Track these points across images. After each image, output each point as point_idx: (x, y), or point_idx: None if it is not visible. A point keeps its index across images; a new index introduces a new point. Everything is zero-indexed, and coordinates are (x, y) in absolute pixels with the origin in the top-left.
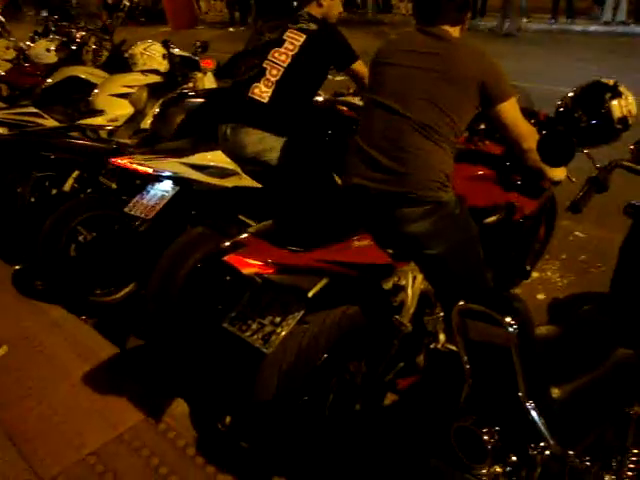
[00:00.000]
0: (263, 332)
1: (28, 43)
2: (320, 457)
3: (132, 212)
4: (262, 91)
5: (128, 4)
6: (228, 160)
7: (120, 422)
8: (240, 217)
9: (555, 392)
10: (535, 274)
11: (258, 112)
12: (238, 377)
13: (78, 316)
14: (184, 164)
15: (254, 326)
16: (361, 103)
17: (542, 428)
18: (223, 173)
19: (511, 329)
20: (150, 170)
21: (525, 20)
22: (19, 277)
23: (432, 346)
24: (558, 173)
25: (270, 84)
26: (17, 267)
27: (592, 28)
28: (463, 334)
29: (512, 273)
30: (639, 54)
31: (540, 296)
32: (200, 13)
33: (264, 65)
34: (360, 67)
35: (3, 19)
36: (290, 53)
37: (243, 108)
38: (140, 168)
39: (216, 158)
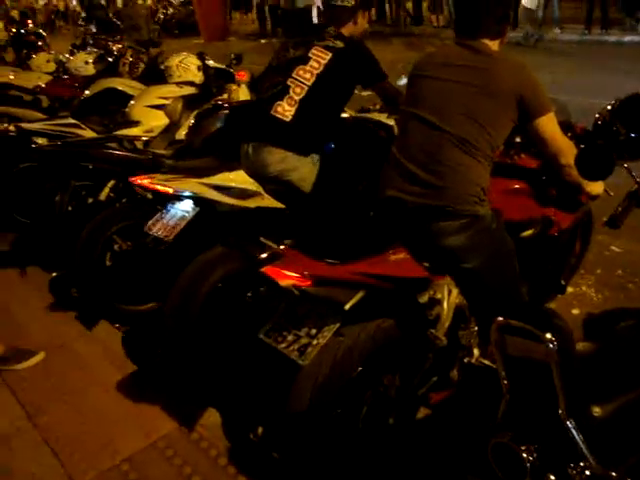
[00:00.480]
0: (299, 344)
1: (67, 56)
2: (353, 469)
3: (152, 232)
4: (285, 110)
5: (162, 17)
6: (250, 180)
7: (153, 430)
8: (261, 239)
9: (596, 411)
10: (570, 289)
11: (281, 131)
12: (271, 388)
13: (112, 324)
14: (205, 184)
15: (290, 338)
16: (386, 120)
17: (583, 447)
18: (245, 194)
19: (551, 345)
20: (170, 190)
21: (558, 31)
22: (56, 284)
23: (466, 360)
24: (596, 188)
25: (294, 103)
26: (54, 274)
27: (627, 39)
28: (502, 350)
29: (548, 288)
30: None
31: (575, 311)
32: (232, 25)
33: (288, 83)
34: (388, 84)
35: (44, 33)
36: (315, 72)
37: (265, 126)
38: (160, 188)
39: (238, 178)
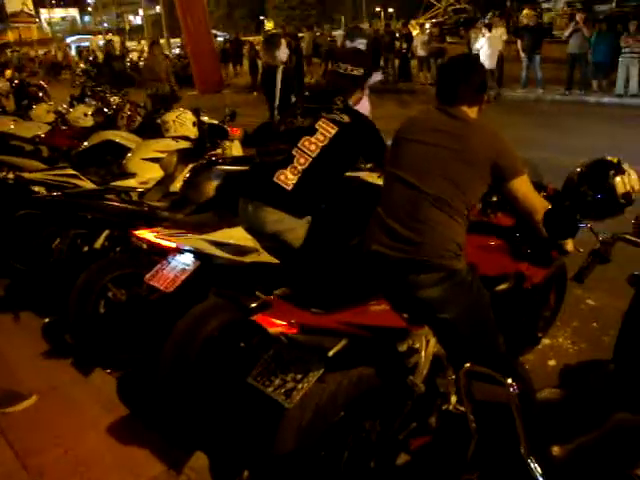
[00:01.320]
0: (285, 387)
1: (65, 107)
2: None
3: (152, 282)
4: (288, 178)
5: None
6: (248, 237)
7: (143, 473)
8: (257, 293)
9: (556, 450)
10: (547, 341)
11: (280, 196)
12: (258, 432)
13: (104, 369)
14: (205, 240)
15: (277, 382)
16: (376, 180)
17: None
18: (242, 250)
19: (512, 389)
20: (173, 245)
21: (541, 91)
22: (49, 330)
23: (444, 407)
24: (569, 244)
25: (296, 172)
26: (47, 320)
27: (605, 100)
28: (469, 394)
29: (523, 339)
30: None
31: (551, 362)
32: (227, 78)
33: (293, 152)
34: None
35: (45, 85)
36: (320, 144)
37: (266, 190)
38: (164, 243)
39: (237, 235)
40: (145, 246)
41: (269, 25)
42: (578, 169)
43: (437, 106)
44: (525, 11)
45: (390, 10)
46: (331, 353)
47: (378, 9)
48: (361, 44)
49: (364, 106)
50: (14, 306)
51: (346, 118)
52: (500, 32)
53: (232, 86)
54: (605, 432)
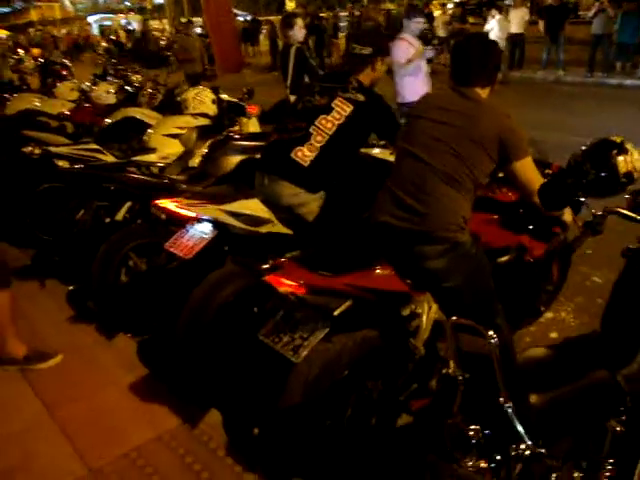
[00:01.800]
0: (293, 344)
1: (89, 84)
2: (339, 465)
3: (172, 249)
4: (305, 155)
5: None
6: (264, 208)
7: (160, 425)
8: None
9: (534, 399)
10: (550, 314)
11: (297, 172)
12: (267, 391)
13: (125, 333)
14: (223, 211)
15: (285, 339)
16: (389, 156)
17: (520, 429)
18: (258, 221)
19: (493, 341)
20: (194, 214)
21: (561, 73)
22: (73, 297)
23: (444, 371)
24: (566, 217)
25: (314, 149)
26: (71, 287)
27: (628, 82)
28: (455, 345)
29: (523, 310)
30: None
31: (553, 335)
32: (246, 57)
33: (310, 130)
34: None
35: (70, 64)
36: (336, 122)
37: (284, 165)
38: (184, 213)
39: (253, 206)
40: (164, 217)
41: (290, 5)
42: (582, 148)
43: (451, 86)
44: None
45: None
46: (336, 313)
47: None
48: (419, 22)
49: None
50: (40, 274)
51: (361, 97)
52: (522, 12)
53: (252, 66)
54: (582, 385)
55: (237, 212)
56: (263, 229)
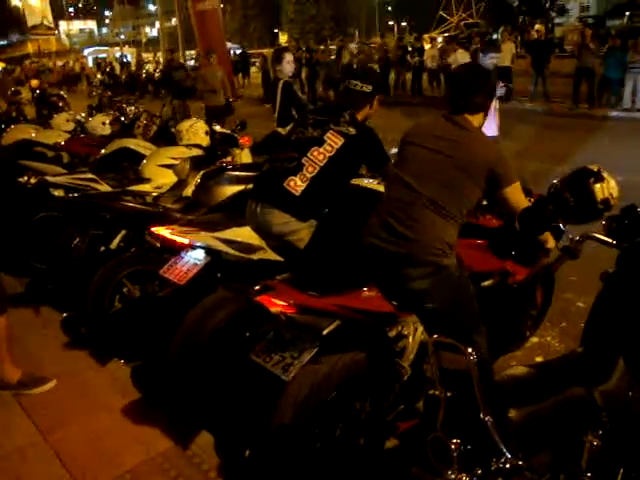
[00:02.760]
0: (284, 363)
1: (84, 115)
2: None
3: (167, 275)
4: (297, 185)
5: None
6: (255, 236)
7: (152, 447)
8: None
9: (513, 414)
10: (535, 339)
11: (288, 201)
12: (258, 414)
13: (118, 359)
14: (216, 238)
15: (276, 358)
16: (377, 186)
17: (500, 443)
18: (250, 248)
19: (472, 357)
20: (186, 241)
21: (548, 105)
22: (68, 323)
23: (431, 392)
24: (549, 242)
25: (305, 179)
26: (65, 314)
27: (613, 114)
28: (437, 362)
29: (509, 334)
30: None
31: (538, 359)
32: (240, 88)
33: (303, 161)
34: (389, 167)
35: (65, 95)
36: (327, 154)
37: (275, 193)
38: (177, 239)
39: (245, 234)
40: (159, 244)
41: (283, 38)
42: (561, 177)
43: (444, 113)
44: (536, 26)
45: (403, 24)
46: (325, 332)
47: (391, 23)
48: (493, 58)
49: (490, 124)
50: (35, 302)
51: (352, 130)
52: (509, 47)
53: (244, 97)
54: (559, 401)
55: (229, 239)
56: (255, 256)
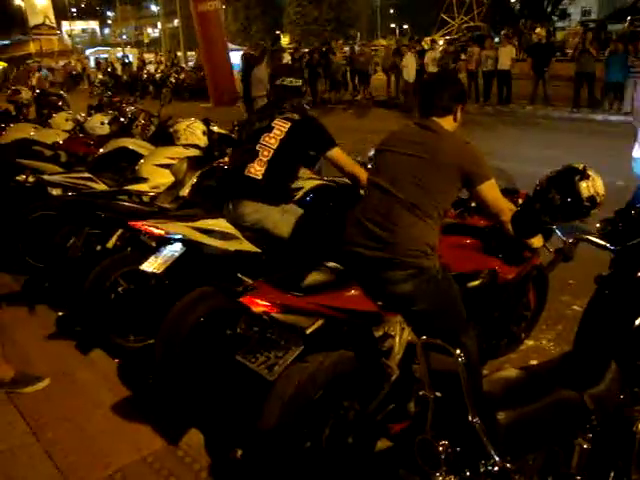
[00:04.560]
0: (268, 363)
1: (83, 115)
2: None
3: (144, 268)
4: (257, 170)
5: (174, 81)
6: (229, 226)
7: (144, 446)
8: (239, 275)
9: (501, 416)
10: (531, 342)
11: (253, 187)
12: (248, 411)
13: (110, 356)
14: (191, 227)
15: (261, 358)
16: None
17: (488, 446)
18: (225, 236)
19: (460, 359)
20: (162, 232)
21: (549, 108)
22: (62, 322)
23: (421, 393)
24: (535, 242)
25: (263, 163)
26: (60, 313)
27: (613, 118)
28: (426, 364)
29: (500, 334)
30: None
31: (533, 362)
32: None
33: (257, 148)
34: (336, 153)
35: (65, 94)
36: (278, 137)
37: (241, 185)
38: (154, 231)
39: (219, 224)
40: (154, 244)
41: (285, 40)
42: (547, 176)
43: (415, 120)
44: (537, 29)
45: (405, 27)
46: (309, 331)
47: (393, 25)
48: None
49: None
50: (31, 300)
51: (296, 116)
52: (509, 50)
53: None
54: (549, 404)
55: (205, 228)
56: (231, 246)
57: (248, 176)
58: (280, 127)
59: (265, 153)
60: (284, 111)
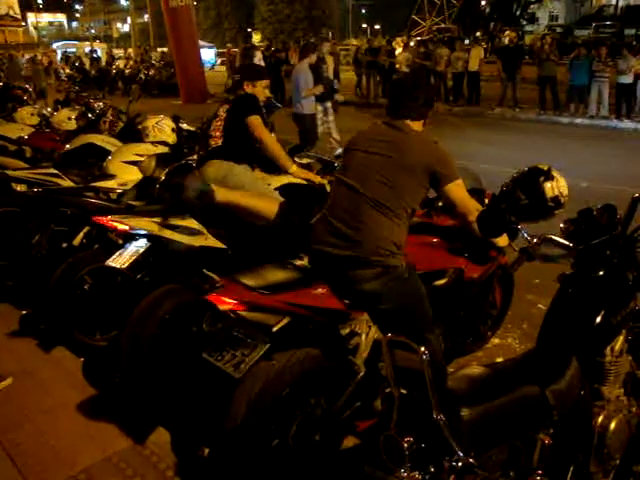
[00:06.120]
0: (235, 361)
1: (50, 110)
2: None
3: (110, 264)
4: (216, 140)
5: (144, 77)
6: (195, 222)
7: (109, 446)
8: (204, 271)
9: (465, 412)
10: (497, 340)
11: (215, 151)
12: (214, 409)
13: (75, 354)
14: (156, 223)
15: (227, 357)
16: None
17: (451, 441)
18: (190, 232)
19: (424, 356)
20: (127, 227)
21: (516, 110)
22: (26, 321)
23: (387, 390)
24: (501, 241)
25: (219, 134)
26: (24, 312)
27: (578, 120)
28: (391, 361)
29: (466, 332)
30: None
31: (499, 359)
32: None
33: (210, 132)
34: (254, 120)
35: (30, 88)
36: (223, 116)
37: (206, 155)
38: (119, 226)
39: (185, 221)
40: (121, 242)
41: (256, 38)
42: (512, 176)
43: (383, 120)
44: (507, 32)
45: (377, 27)
46: (275, 329)
47: (364, 25)
48: None
49: None
50: None
51: (232, 97)
52: (477, 52)
53: (216, 96)
54: (511, 400)
55: (170, 224)
56: (196, 242)
57: (211, 145)
58: (222, 111)
59: (217, 133)
60: (228, 99)
